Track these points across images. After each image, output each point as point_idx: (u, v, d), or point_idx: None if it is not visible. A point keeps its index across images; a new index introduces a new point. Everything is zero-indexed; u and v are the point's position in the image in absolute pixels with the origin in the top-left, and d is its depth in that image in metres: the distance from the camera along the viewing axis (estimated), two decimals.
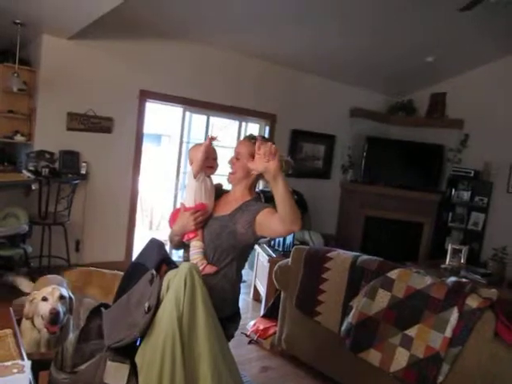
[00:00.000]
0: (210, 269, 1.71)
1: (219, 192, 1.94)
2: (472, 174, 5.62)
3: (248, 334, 3.32)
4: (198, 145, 1.90)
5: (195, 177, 1.80)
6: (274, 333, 3.23)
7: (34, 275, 3.42)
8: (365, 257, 2.63)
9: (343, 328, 2.57)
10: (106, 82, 4.18)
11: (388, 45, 4.86)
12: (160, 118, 6.93)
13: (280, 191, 1.50)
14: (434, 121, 6.20)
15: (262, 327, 3.32)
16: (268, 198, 1.63)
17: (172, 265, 1.71)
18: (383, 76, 5.79)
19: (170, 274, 1.55)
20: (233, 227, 1.73)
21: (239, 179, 1.84)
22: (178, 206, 1.89)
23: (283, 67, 5.28)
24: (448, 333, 2.12)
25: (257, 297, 4.11)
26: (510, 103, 5.48)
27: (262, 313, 3.64)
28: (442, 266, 4.44)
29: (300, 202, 5.16)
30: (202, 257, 1.74)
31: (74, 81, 4.03)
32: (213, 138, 1.81)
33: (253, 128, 5.37)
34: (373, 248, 5.84)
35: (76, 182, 3.80)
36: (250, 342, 3.26)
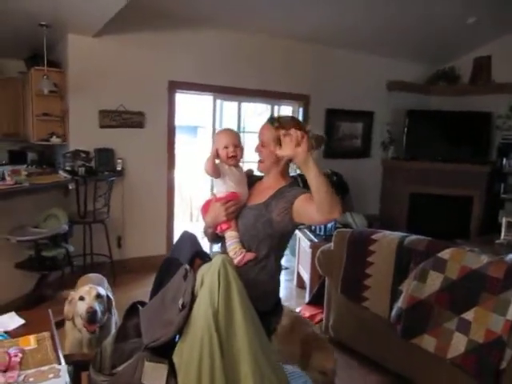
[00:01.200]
0: (251, 255, 1.64)
1: (252, 180, 1.84)
2: None
3: None
4: (223, 131, 1.80)
5: (217, 176, 1.71)
6: (321, 320, 3.13)
7: (78, 273, 3.48)
8: (412, 237, 2.46)
9: (393, 313, 2.42)
10: (135, 76, 4.15)
11: (418, 8, 4.51)
12: (194, 109, 6.91)
13: (312, 177, 1.40)
14: (479, 87, 5.79)
15: (308, 314, 3.23)
16: (306, 182, 1.52)
17: (206, 258, 1.63)
18: (419, 43, 5.42)
19: (204, 268, 1.47)
20: (268, 216, 1.63)
21: (269, 167, 1.72)
22: (210, 196, 1.81)
23: (311, 44, 5.07)
24: (510, 315, 1.94)
25: (301, 284, 4.01)
26: None
27: (306, 300, 3.54)
28: (497, 241, 4.17)
29: (340, 184, 4.99)
30: (239, 246, 1.65)
31: (103, 78, 4.02)
32: (216, 153, 1.70)
33: (286, 111, 5.21)
34: (420, 227, 5.55)
35: (112, 178, 3.82)
36: None
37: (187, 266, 1.53)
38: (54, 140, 4.08)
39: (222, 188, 1.71)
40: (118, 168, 4.12)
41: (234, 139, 1.72)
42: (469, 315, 2.09)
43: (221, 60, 4.54)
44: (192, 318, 1.40)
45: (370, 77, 5.64)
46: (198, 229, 6.32)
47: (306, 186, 1.55)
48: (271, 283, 1.70)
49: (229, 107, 5.03)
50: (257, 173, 1.89)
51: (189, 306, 1.41)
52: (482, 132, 5.63)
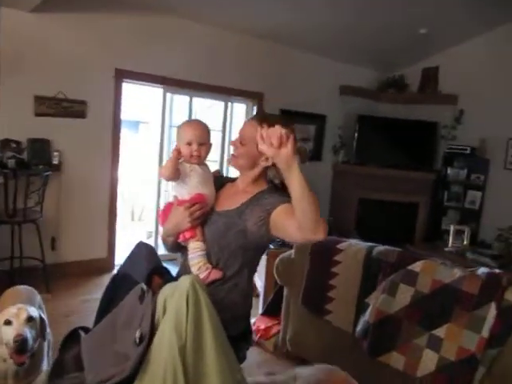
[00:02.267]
0: (217, 273, 1.41)
1: (221, 181, 1.61)
2: (468, 151, 5.39)
3: None
4: (187, 124, 1.55)
5: (175, 179, 1.48)
6: (277, 332, 2.95)
7: (4, 281, 3.05)
8: (381, 247, 2.34)
9: (359, 328, 2.29)
10: (77, 61, 3.74)
11: (377, 16, 4.51)
12: (137, 103, 6.51)
13: (296, 185, 1.20)
14: (427, 97, 5.93)
15: (263, 326, 3.03)
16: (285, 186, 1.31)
17: (166, 275, 1.38)
18: (373, 50, 5.45)
19: (166, 290, 1.22)
20: (242, 225, 1.42)
21: (243, 167, 1.52)
22: (170, 199, 1.54)
23: (267, 41, 4.89)
24: (485, 332, 1.86)
25: (253, 291, 3.80)
26: (504, 76, 5.23)
27: (260, 310, 3.35)
28: (446, 248, 4.22)
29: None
30: (204, 260, 1.42)
31: (41, 60, 3.58)
32: (179, 152, 1.47)
33: (239, 109, 5.00)
34: (367, 231, 5.61)
35: (47, 173, 3.39)
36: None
37: (144, 286, 1.27)
38: None
39: (185, 189, 1.47)
40: (55, 161, 3.68)
41: (200, 135, 1.48)
42: (440, 331, 2.00)
43: (173, 51, 4.24)
44: (152, 353, 1.15)
45: (324, 80, 5.59)
46: (140, 229, 5.94)
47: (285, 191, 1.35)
48: (243, 305, 1.49)
49: (179, 101, 4.74)
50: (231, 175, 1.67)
51: (148, 339, 1.15)
52: (428, 141, 5.77)
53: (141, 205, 7.11)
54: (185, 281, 1.18)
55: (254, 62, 4.87)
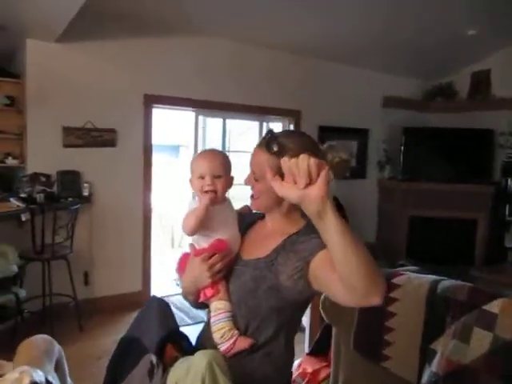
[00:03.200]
0: (244, 342, 1.11)
1: (249, 219, 1.32)
2: None
3: (293, 379, 2.68)
4: (198, 155, 1.28)
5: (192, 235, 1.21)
6: (327, 377, 2.59)
7: (33, 322, 2.90)
8: (447, 282, 1.96)
9: (425, 380, 1.90)
10: (105, 89, 3.64)
11: (416, 16, 4.14)
12: (175, 126, 6.45)
13: (333, 238, 0.86)
14: (479, 103, 5.46)
15: (310, 370, 2.68)
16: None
17: (182, 342, 1.11)
18: (415, 57, 5.08)
19: (179, 369, 0.96)
20: (274, 279, 1.12)
21: (268, 207, 1.22)
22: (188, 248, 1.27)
23: (299, 55, 4.65)
24: None
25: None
26: None
27: (306, 349, 3.00)
28: None
29: (337, 206, 4.54)
30: (229, 325, 1.13)
31: (67, 90, 3.50)
32: (214, 198, 1.18)
33: (276, 128, 4.75)
34: (421, 252, 5.19)
35: (76, 206, 3.25)
36: None
37: (153, 358, 1.00)
38: (10, 161, 3.51)
39: (202, 235, 1.20)
40: (85, 193, 3.56)
41: (213, 166, 1.19)
42: None
43: (202, 71, 4.07)
44: None
45: (363, 92, 5.26)
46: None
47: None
48: (278, 379, 1.17)
49: (212, 124, 4.56)
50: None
51: None
52: (484, 150, 5.28)
53: (181, 231, 6.96)
54: (200, 361, 0.90)
55: (288, 78, 4.63)
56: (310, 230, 1.16)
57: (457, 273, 3.98)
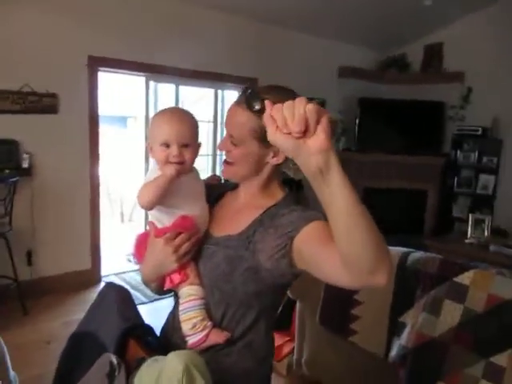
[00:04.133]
0: (218, 336, 0.97)
1: (220, 190, 1.16)
2: (480, 132, 4.99)
3: None
4: (162, 115, 1.04)
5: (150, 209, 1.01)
6: (291, 352, 2.55)
7: None
8: (417, 254, 1.93)
9: (394, 353, 1.89)
10: (44, 48, 3.27)
11: None
12: (122, 96, 6.06)
13: (339, 202, 0.70)
14: (431, 75, 5.53)
15: None
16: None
17: (148, 339, 0.95)
18: (370, 26, 5.01)
19: (147, 374, 0.81)
20: (251, 259, 0.96)
21: (243, 176, 1.04)
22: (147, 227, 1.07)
23: (257, 21, 4.44)
24: None
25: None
26: None
27: None
28: (466, 240, 3.83)
29: (293, 181, 4.47)
30: (202, 314, 0.97)
31: (1, 50, 3.10)
32: (181, 169, 0.98)
33: (231, 96, 4.55)
34: (374, 222, 5.26)
35: (13, 179, 2.93)
36: None
37: (113, 359, 0.84)
38: None
39: (164, 211, 1.01)
40: (25, 165, 3.23)
41: (181, 132, 0.99)
42: (501, 359, 1.60)
43: (154, 33, 3.77)
44: None
45: (319, 61, 5.15)
46: (132, 231, 5.49)
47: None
48: (258, 370, 1.04)
49: (164, 91, 4.28)
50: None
51: None
52: (435, 122, 5.38)
53: (131, 204, 6.67)
54: (176, 364, 0.75)
55: (244, 44, 4.42)
56: (289, 201, 1.03)
57: (410, 242, 4.08)
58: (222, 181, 1.30)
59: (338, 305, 2.10)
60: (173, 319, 1.04)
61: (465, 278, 1.72)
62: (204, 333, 0.95)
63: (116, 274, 4.00)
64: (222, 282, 0.97)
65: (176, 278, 0.99)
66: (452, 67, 5.35)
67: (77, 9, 3.37)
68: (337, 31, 5.05)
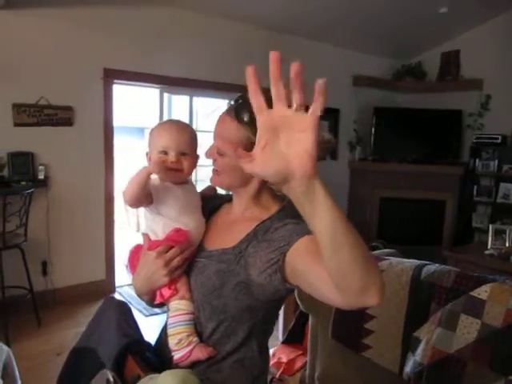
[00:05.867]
0: (202, 352, 0.94)
1: (215, 203, 1.14)
2: (499, 140, 4.88)
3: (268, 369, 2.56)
4: (161, 125, 1.06)
5: (136, 206, 1.01)
6: (303, 366, 2.50)
7: None
8: (432, 267, 1.86)
9: (408, 369, 1.82)
10: (60, 62, 3.33)
11: None
12: (139, 107, 6.15)
13: (323, 221, 0.64)
14: (448, 83, 5.44)
15: (285, 359, 2.58)
16: None
17: (144, 354, 0.93)
18: (385, 35, 4.99)
19: None
20: (243, 274, 0.93)
21: (231, 185, 1.03)
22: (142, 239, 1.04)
23: (271, 31, 4.44)
24: None
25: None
26: None
27: (280, 337, 2.90)
28: (486, 251, 3.71)
29: None
30: (189, 330, 0.95)
31: (18, 63, 3.18)
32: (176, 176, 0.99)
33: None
34: (391, 233, 5.18)
35: (29, 190, 2.97)
36: (271, 382, 2.51)
37: (110, 375, 0.82)
38: None
39: (157, 222, 1.01)
40: (40, 176, 3.28)
41: (181, 140, 1.00)
42: None
43: (168, 45, 3.81)
44: None
45: (334, 70, 5.11)
46: None
47: None
48: None
49: (179, 103, 4.32)
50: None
51: None
52: (453, 131, 5.28)
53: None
54: (168, 383, 0.73)
55: (257, 54, 4.38)
56: (284, 214, 0.99)
57: (428, 253, 3.98)
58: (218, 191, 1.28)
59: (351, 319, 2.04)
60: (164, 334, 1.02)
61: (481, 292, 1.66)
62: (188, 348, 0.93)
63: (130, 285, 4.00)
64: (213, 296, 0.95)
65: (166, 292, 0.97)
66: (469, 75, 5.26)
67: (92, 22, 3.43)
68: (352, 40, 5.03)
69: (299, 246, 0.85)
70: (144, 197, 0.96)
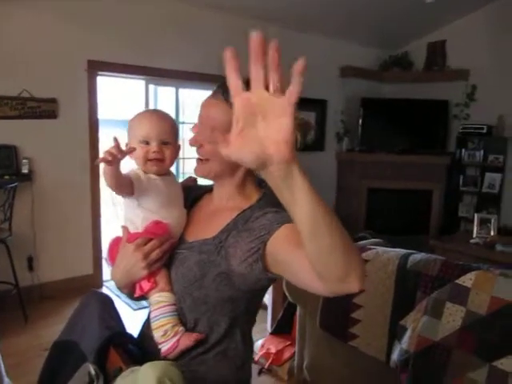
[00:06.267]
0: (189, 339, 0.93)
1: (195, 194, 1.12)
2: (485, 130, 4.93)
3: (256, 359, 2.58)
4: (141, 115, 1.04)
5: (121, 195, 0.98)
6: (291, 356, 2.51)
7: None
8: (418, 256, 1.88)
9: (395, 357, 1.84)
10: (43, 54, 3.27)
11: None
12: (124, 99, 6.07)
13: (302, 206, 0.63)
14: (434, 74, 5.46)
15: (274, 350, 2.59)
16: None
17: (126, 346, 0.92)
18: (372, 25, 4.98)
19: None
20: (224, 264, 0.92)
21: (218, 174, 1.01)
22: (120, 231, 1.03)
23: (257, 21, 4.38)
24: None
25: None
26: None
27: (269, 327, 2.91)
28: (471, 240, 3.76)
29: None
30: (173, 321, 0.95)
31: None
32: (121, 151, 0.91)
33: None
34: (379, 223, 5.22)
35: (13, 185, 2.93)
36: (260, 372, 2.53)
37: (91, 368, 0.82)
38: None
39: (138, 214, 0.99)
40: (24, 170, 3.22)
41: (161, 129, 0.99)
42: (504, 364, 1.55)
43: (152, 35, 3.75)
44: None
45: (321, 61, 5.08)
46: None
47: None
48: (236, 380, 1.00)
49: (164, 95, 4.27)
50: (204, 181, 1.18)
51: None
52: (440, 121, 5.32)
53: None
54: (148, 377, 0.72)
55: (245, 44, 4.36)
56: (265, 203, 0.98)
57: (416, 242, 4.02)
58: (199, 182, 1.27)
59: (338, 308, 2.05)
60: (147, 328, 1.01)
61: (466, 280, 1.68)
62: (175, 338, 0.92)
63: None
64: (194, 287, 0.94)
65: (145, 285, 0.96)
66: (456, 65, 5.29)
67: (75, 13, 3.37)
68: (338, 30, 5.01)
69: (279, 234, 0.85)
70: (124, 185, 0.94)
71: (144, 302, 3.25)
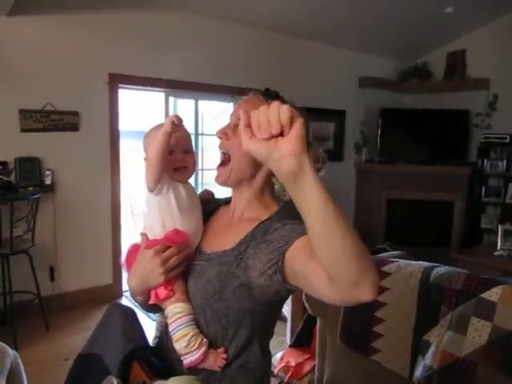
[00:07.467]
0: (215, 360, 0.92)
1: (212, 206, 1.13)
2: (508, 140, 4.83)
3: (276, 372, 2.55)
4: (155, 128, 1.04)
5: (154, 186, 0.97)
6: (311, 370, 2.47)
7: None
8: (441, 269, 1.84)
9: (418, 373, 1.80)
10: (65, 68, 3.35)
11: None
12: (144, 110, 6.16)
13: (312, 203, 0.66)
14: (455, 83, 5.39)
15: (293, 363, 2.56)
16: None
17: (149, 359, 0.92)
18: (390, 36, 4.96)
19: None
20: (243, 276, 0.92)
21: (237, 175, 1.01)
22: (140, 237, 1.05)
23: (276, 34, 4.44)
24: None
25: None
26: None
27: (288, 340, 2.88)
28: (495, 253, 3.67)
29: None
30: (193, 330, 0.94)
31: (24, 69, 3.19)
32: (176, 123, 0.94)
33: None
34: (398, 235, 5.15)
35: (36, 196, 2.98)
36: None
37: (115, 382, 0.82)
38: None
39: (157, 221, 0.99)
40: (47, 182, 3.29)
41: (182, 139, 1.01)
42: None
43: (172, 49, 3.81)
44: None
45: (340, 72, 5.12)
46: None
47: None
48: None
49: (184, 107, 4.32)
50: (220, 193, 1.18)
51: None
52: (460, 131, 5.24)
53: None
54: None
55: (262, 57, 4.41)
56: (283, 214, 0.98)
57: (437, 255, 3.94)
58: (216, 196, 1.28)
59: (359, 322, 2.02)
60: (166, 341, 1.00)
61: (492, 294, 1.63)
62: (201, 350, 0.91)
63: None
64: (213, 300, 0.94)
65: (162, 292, 0.96)
66: (476, 74, 5.21)
67: (96, 27, 3.45)
68: (357, 42, 5.01)
69: (297, 244, 0.84)
70: (159, 168, 0.95)
71: (152, 315, 3.23)
